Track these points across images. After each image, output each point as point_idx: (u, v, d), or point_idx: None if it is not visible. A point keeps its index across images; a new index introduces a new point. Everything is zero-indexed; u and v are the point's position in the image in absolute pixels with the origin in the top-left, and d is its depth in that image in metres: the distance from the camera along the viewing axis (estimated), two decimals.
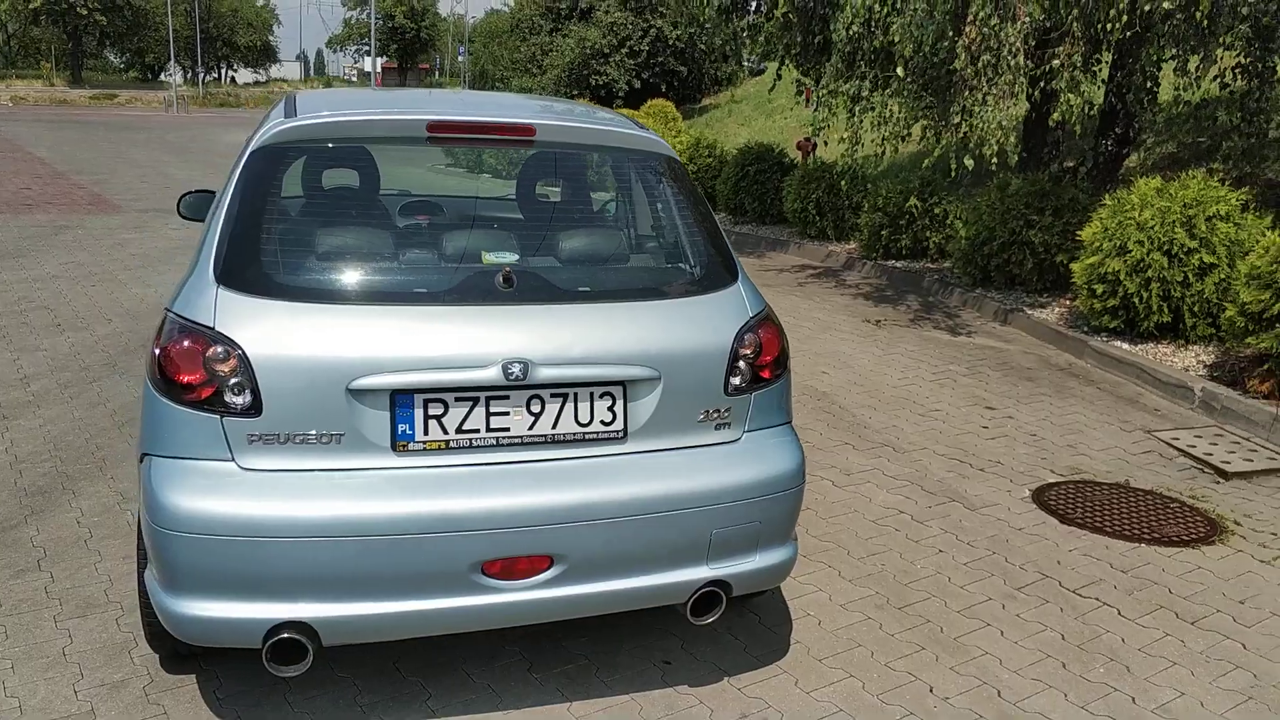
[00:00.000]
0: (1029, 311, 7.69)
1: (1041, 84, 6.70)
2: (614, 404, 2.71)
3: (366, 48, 79.86)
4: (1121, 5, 6.30)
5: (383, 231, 2.90)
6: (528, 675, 3.03)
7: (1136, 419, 5.66)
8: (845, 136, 8.19)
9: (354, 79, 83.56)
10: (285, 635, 2.48)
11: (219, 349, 2.52)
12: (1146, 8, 6.45)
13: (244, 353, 2.51)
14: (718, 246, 3.09)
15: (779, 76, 11.54)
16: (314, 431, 2.53)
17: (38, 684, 2.89)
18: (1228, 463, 5.00)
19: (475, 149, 3.23)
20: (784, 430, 2.98)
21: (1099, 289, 6.80)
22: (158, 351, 2.60)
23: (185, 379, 2.53)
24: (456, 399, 2.60)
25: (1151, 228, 6.50)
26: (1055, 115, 6.74)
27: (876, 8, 7.40)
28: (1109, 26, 6.33)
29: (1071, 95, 6.56)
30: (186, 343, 2.55)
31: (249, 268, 2.65)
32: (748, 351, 2.87)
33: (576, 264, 2.96)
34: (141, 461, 2.63)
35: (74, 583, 3.45)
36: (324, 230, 2.85)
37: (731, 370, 2.84)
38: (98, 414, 5.04)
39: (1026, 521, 4.22)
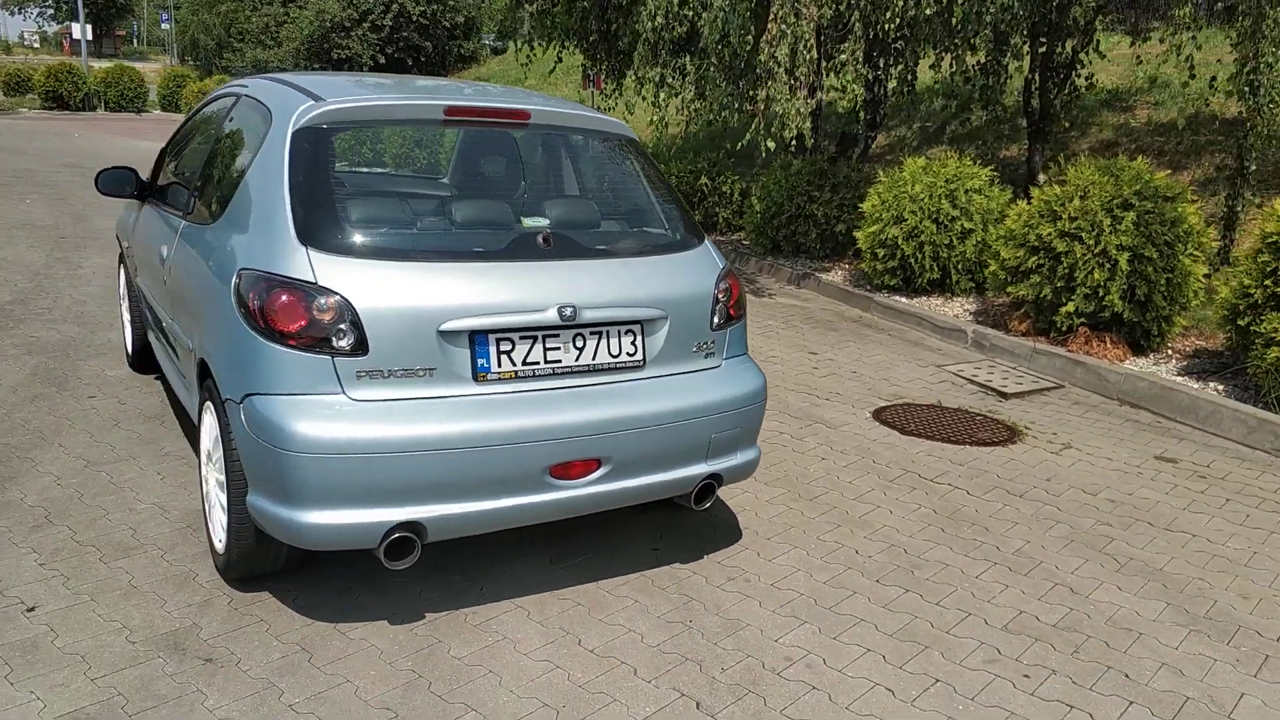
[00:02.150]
0: (819, 275, 8.90)
1: (828, 75, 7.83)
2: (635, 339, 3.40)
3: (50, 9, 72.56)
4: (896, 8, 7.52)
5: (437, 201, 3.41)
6: (551, 566, 3.67)
7: (926, 357, 6.91)
8: (654, 120, 9.07)
9: (36, 44, 75.82)
10: (399, 535, 3.01)
11: (325, 300, 2.98)
12: (911, 13, 7.72)
13: (350, 303, 2.99)
14: (685, 213, 3.83)
15: (559, 59, 12.27)
16: (412, 367, 3.06)
17: (128, 610, 3.22)
18: (1005, 386, 6.32)
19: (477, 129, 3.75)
20: (746, 358, 3.78)
21: (880, 253, 8.08)
22: (258, 306, 3.02)
23: (293, 328, 2.98)
24: (521, 337, 3.20)
25: (922, 200, 7.82)
26: (844, 102, 7.87)
27: (677, 2, 8.32)
28: (886, 27, 7.54)
29: (855, 86, 7.73)
30: (288, 296, 2.99)
31: (332, 231, 3.10)
32: (722, 296, 3.64)
33: (589, 227, 3.60)
34: (242, 402, 3.04)
35: (96, 531, 3.71)
36: (387, 199, 3.33)
37: (714, 311, 3.60)
38: None
39: (877, 434, 5.27)
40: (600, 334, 3.33)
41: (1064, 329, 6.79)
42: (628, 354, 3.38)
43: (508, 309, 3.16)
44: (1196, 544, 4.15)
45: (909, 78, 8.75)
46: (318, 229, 3.10)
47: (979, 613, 3.52)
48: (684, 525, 4.07)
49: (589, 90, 13.34)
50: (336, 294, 2.99)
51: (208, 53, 31.44)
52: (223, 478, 3.29)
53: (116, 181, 4.75)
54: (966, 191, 7.81)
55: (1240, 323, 5.80)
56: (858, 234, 8.33)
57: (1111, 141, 10.92)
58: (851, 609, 3.49)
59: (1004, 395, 6.13)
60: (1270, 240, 5.70)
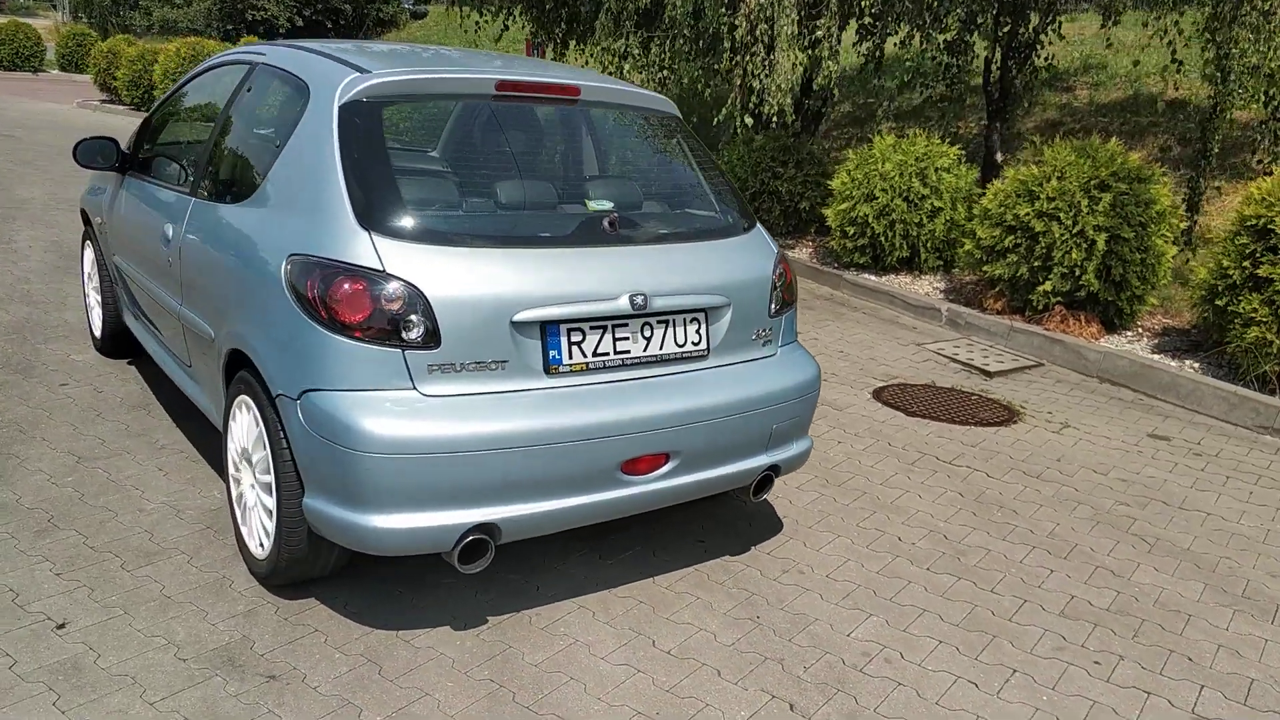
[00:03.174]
0: (784, 252, 8.87)
1: (809, 51, 7.76)
2: (700, 327, 3.28)
3: None
4: None
5: (495, 182, 3.21)
6: (601, 562, 3.54)
7: (905, 335, 6.94)
8: None
9: None
10: (474, 537, 2.85)
11: (394, 288, 2.79)
12: None
13: (421, 292, 2.80)
14: (737, 195, 3.71)
15: (506, 28, 11.97)
16: (484, 359, 2.88)
17: (168, 624, 2.99)
18: (987, 364, 6.37)
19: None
20: (798, 345, 3.69)
21: (850, 230, 8.07)
22: (318, 295, 2.80)
23: (360, 319, 2.78)
24: (591, 327, 3.05)
25: (893, 178, 7.83)
26: (819, 80, 7.82)
27: None
28: (864, 3, 7.49)
29: (830, 62, 7.68)
30: (354, 285, 2.79)
31: (396, 215, 2.89)
32: (778, 281, 3.54)
33: (650, 211, 3.45)
34: (299, 398, 2.83)
35: (109, 535, 3.45)
36: (445, 179, 3.13)
37: (771, 297, 3.50)
38: None
39: (884, 416, 5.25)
40: (667, 323, 3.20)
41: (1039, 307, 6.88)
42: (692, 343, 3.26)
43: (580, 298, 3.01)
44: (1213, 522, 4.23)
45: (877, 54, 8.73)
46: (380, 212, 2.89)
47: (1034, 599, 3.52)
48: (722, 515, 3.98)
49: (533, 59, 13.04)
50: (407, 282, 2.80)
51: (103, 10, 29.80)
52: (267, 479, 3.07)
53: (96, 152, 4.42)
54: (936, 170, 7.85)
55: (1218, 303, 5.95)
56: (825, 211, 8.30)
57: (1056, 121, 11.14)
58: (911, 599, 3.46)
59: (988, 374, 6.19)
60: (1249, 223, 5.84)
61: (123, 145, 4.55)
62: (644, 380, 3.15)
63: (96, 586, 3.15)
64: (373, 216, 2.88)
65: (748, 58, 7.44)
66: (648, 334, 3.16)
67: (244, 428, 3.22)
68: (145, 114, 6.14)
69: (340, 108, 3.08)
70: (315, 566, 3.11)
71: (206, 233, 3.49)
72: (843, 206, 8.02)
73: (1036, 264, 6.77)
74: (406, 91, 3.23)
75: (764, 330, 3.47)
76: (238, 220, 3.30)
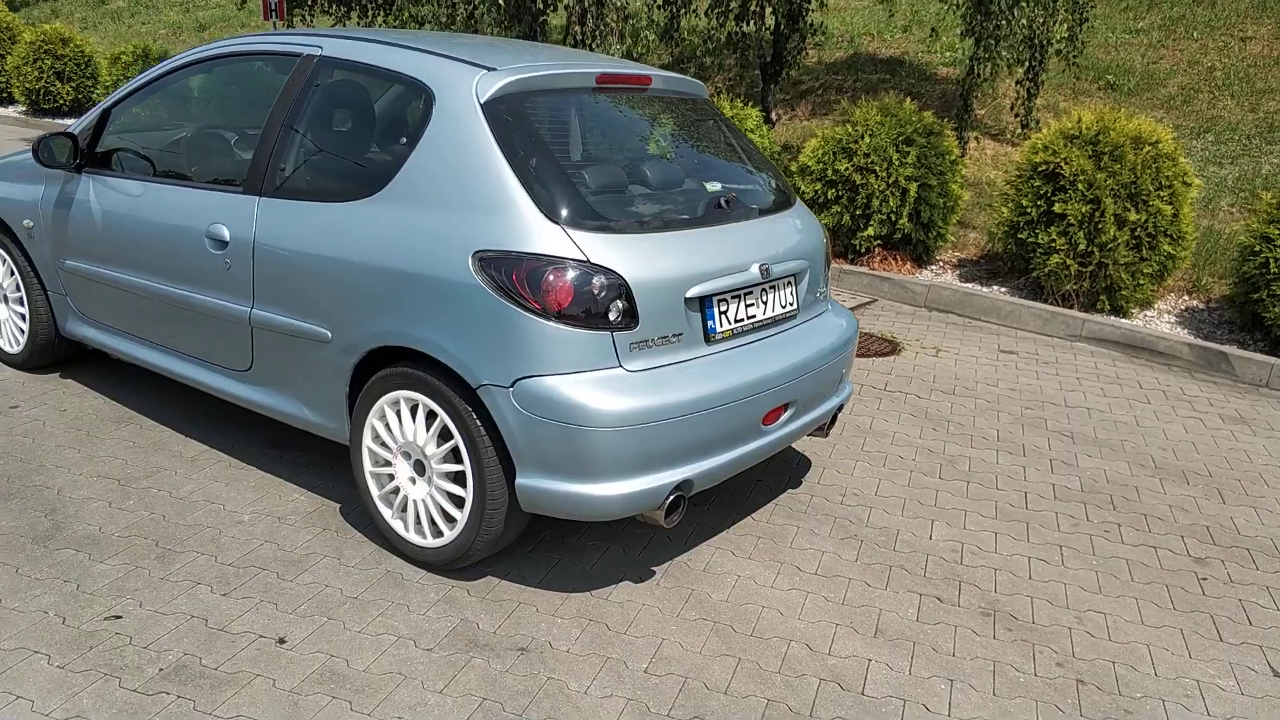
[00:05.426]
0: None
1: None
2: (793, 289, 3.72)
3: None
4: None
5: (644, 168, 3.43)
6: (699, 509, 3.91)
7: None
8: None
9: None
10: (678, 493, 3.16)
11: (600, 276, 3.00)
12: None
13: (622, 277, 3.04)
14: (778, 170, 4.13)
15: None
16: (666, 334, 3.17)
17: (382, 621, 3.03)
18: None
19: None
20: (833, 300, 4.20)
21: None
22: (528, 288, 2.95)
23: (574, 307, 2.97)
24: (732, 296, 3.40)
25: None
26: (625, 47, 8.24)
27: None
28: None
29: (650, 33, 8.13)
30: (565, 275, 2.97)
31: (581, 206, 3.10)
32: (827, 244, 4.03)
33: (744, 189, 3.79)
34: (513, 386, 2.98)
35: (238, 552, 3.36)
36: (603, 169, 3.29)
37: (826, 260, 3.99)
38: None
39: None
40: (775, 287, 3.61)
41: (862, 250, 7.83)
42: (790, 304, 3.69)
43: (726, 271, 3.35)
44: (1097, 415, 5.28)
45: (675, 24, 9.29)
46: (564, 205, 3.07)
47: (1031, 490, 4.31)
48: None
49: (271, 21, 12.36)
50: (609, 269, 3.02)
51: None
52: (450, 468, 3.17)
53: (57, 149, 4.05)
54: (747, 131, 8.57)
55: (1020, 236, 7.14)
56: None
57: (795, 80, 12.28)
58: (949, 504, 4.13)
59: None
60: (1040, 168, 7.05)
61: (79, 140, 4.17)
62: (764, 340, 3.54)
63: (274, 600, 3.11)
64: (559, 209, 3.06)
65: (576, 26, 7.72)
66: (765, 299, 3.55)
67: (404, 424, 3.27)
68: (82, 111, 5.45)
69: (484, 105, 3.19)
70: (499, 544, 3.26)
71: (306, 232, 3.42)
72: None
73: (858, 212, 7.69)
74: (532, 87, 3.37)
75: (822, 290, 3.96)
76: (365, 219, 3.29)
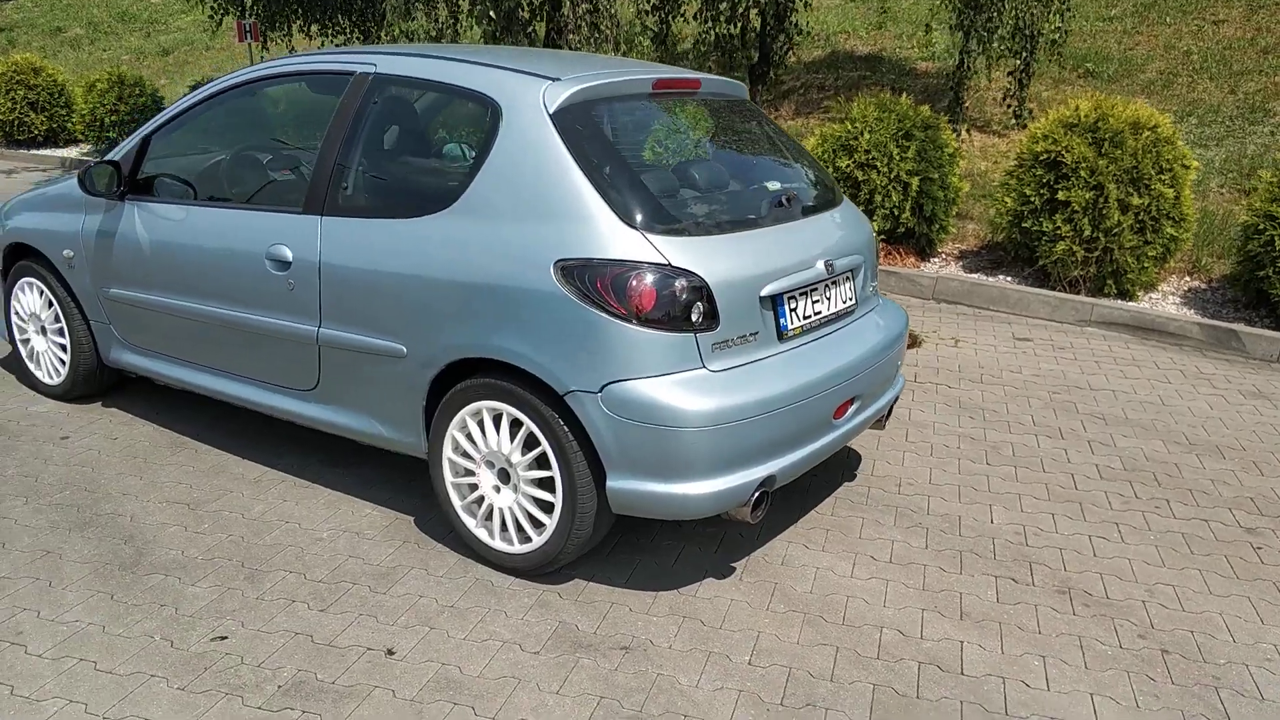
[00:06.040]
0: None
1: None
2: (851, 284, 3.79)
3: None
4: None
5: (710, 171, 3.49)
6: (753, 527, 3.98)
7: None
8: None
9: None
10: (762, 489, 3.22)
11: (684, 280, 3.06)
12: None
13: (703, 279, 3.10)
14: (822, 167, 4.21)
15: (220, 24, 11.36)
16: (744, 333, 3.23)
17: (484, 628, 3.07)
18: None
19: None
20: (881, 294, 4.28)
21: None
22: (613, 294, 3.00)
23: (658, 310, 3.03)
24: (800, 293, 3.47)
25: None
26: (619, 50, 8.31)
27: None
28: None
29: (643, 38, 8.19)
30: (648, 280, 3.02)
31: (656, 211, 3.15)
32: (875, 240, 4.11)
33: (793, 185, 3.86)
34: (601, 391, 3.03)
35: (325, 568, 3.38)
36: (675, 172, 3.36)
37: (875, 254, 4.07)
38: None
39: None
40: (836, 283, 3.68)
41: None
42: (849, 299, 3.77)
43: (796, 268, 3.42)
44: (1124, 396, 5.40)
45: (665, 28, 9.37)
46: (640, 210, 3.13)
47: (1077, 472, 4.41)
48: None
49: (245, 43, 12.31)
50: (691, 272, 3.08)
51: None
52: (537, 474, 3.22)
53: (103, 178, 4.06)
54: None
55: (1025, 224, 7.28)
56: None
57: (778, 80, 12.40)
58: (1003, 489, 4.22)
59: None
60: (1041, 157, 7.19)
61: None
62: (830, 336, 3.62)
63: (372, 613, 3.14)
64: (636, 215, 3.11)
65: (571, 35, 7.78)
66: (828, 294, 3.63)
67: (487, 434, 3.30)
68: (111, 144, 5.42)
69: (553, 115, 3.24)
70: (587, 546, 3.30)
71: (375, 250, 3.45)
72: None
73: (861, 208, 7.80)
74: (596, 95, 3.42)
75: (874, 285, 4.04)
76: (437, 234, 3.32)
